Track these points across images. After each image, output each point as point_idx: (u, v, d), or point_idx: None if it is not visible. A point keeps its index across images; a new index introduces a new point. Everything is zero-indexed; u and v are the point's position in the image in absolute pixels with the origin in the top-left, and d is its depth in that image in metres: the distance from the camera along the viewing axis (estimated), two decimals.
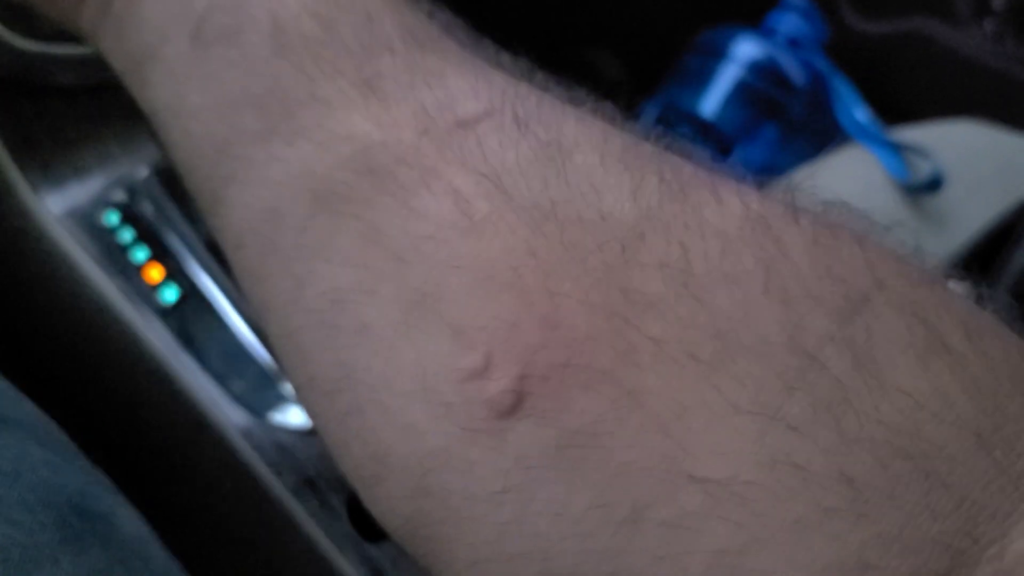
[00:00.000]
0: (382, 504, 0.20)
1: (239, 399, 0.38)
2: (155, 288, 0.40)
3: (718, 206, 0.18)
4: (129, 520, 0.30)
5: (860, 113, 0.59)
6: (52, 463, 0.29)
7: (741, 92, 0.61)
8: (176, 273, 0.41)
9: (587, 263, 0.18)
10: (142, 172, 0.43)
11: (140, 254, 0.41)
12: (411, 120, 0.20)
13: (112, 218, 0.41)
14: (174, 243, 0.41)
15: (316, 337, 0.20)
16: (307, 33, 0.22)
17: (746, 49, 0.61)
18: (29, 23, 0.39)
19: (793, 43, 0.62)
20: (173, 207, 0.42)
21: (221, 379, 0.39)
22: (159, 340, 0.39)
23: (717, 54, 0.62)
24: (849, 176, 0.57)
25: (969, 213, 0.55)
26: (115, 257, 0.40)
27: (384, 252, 0.19)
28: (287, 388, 0.39)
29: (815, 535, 0.15)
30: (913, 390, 0.16)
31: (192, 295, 0.40)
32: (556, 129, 0.20)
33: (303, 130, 0.21)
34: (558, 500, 0.17)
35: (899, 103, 0.64)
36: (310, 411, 0.22)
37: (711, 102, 0.61)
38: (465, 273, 0.18)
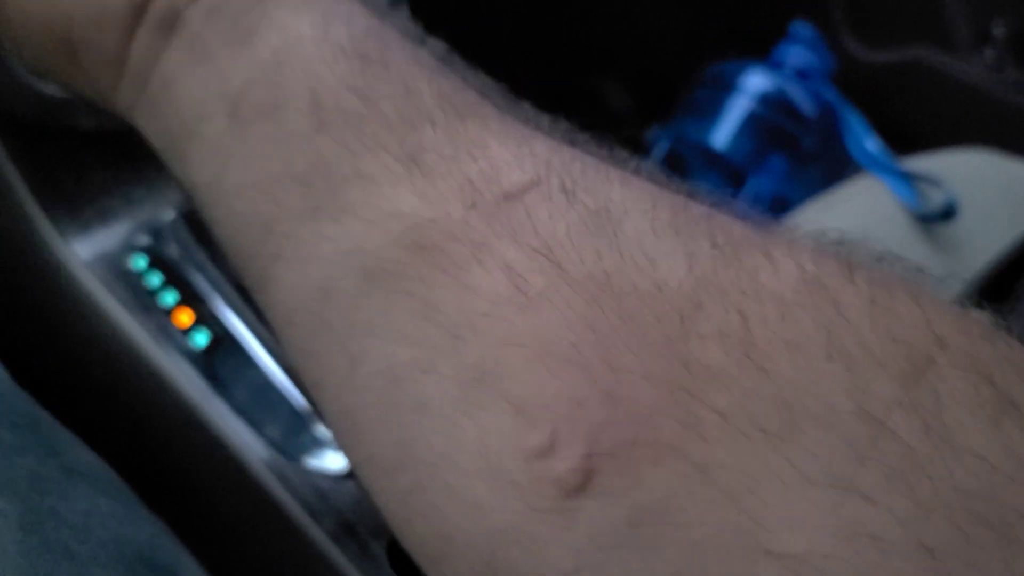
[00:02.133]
0: None
1: (273, 443, 0.38)
2: (185, 332, 0.40)
3: (772, 268, 0.18)
4: (191, 569, 0.30)
5: (871, 143, 0.60)
6: (119, 515, 0.28)
7: (751, 123, 0.62)
8: (206, 317, 0.40)
9: (647, 336, 0.18)
10: (168, 215, 0.43)
11: (169, 298, 0.40)
12: (458, 194, 0.20)
13: (139, 262, 0.41)
14: (203, 286, 0.41)
15: (373, 415, 0.20)
16: (347, 108, 0.22)
17: (756, 81, 0.62)
18: None
19: (801, 74, 0.63)
20: (200, 250, 0.42)
21: (255, 423, 0.38)
22: (190, 385, 0.38)
23: (727, 87, 0.63)
24: (862, 206, 0.57)
25: (981, 242, 0.55)
26: (144, 302, 0.40)
27: (440, 329, 0.19)
28: (322, 431, 0.39)
29: None
30: (986, 452, 0.16)
31: (223, 339, 0.40)
32: (604, 196, 0.20)
33: (350, 207, 0.21)
34: None
35: (901, 131, 0.65)
36: (370, 488, 0.21)
37: (722, 134, 0.62)
38: (524, 350, 0.18)
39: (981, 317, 0.18)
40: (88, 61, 0.26)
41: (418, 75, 0.23)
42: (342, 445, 0.22)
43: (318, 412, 0.38)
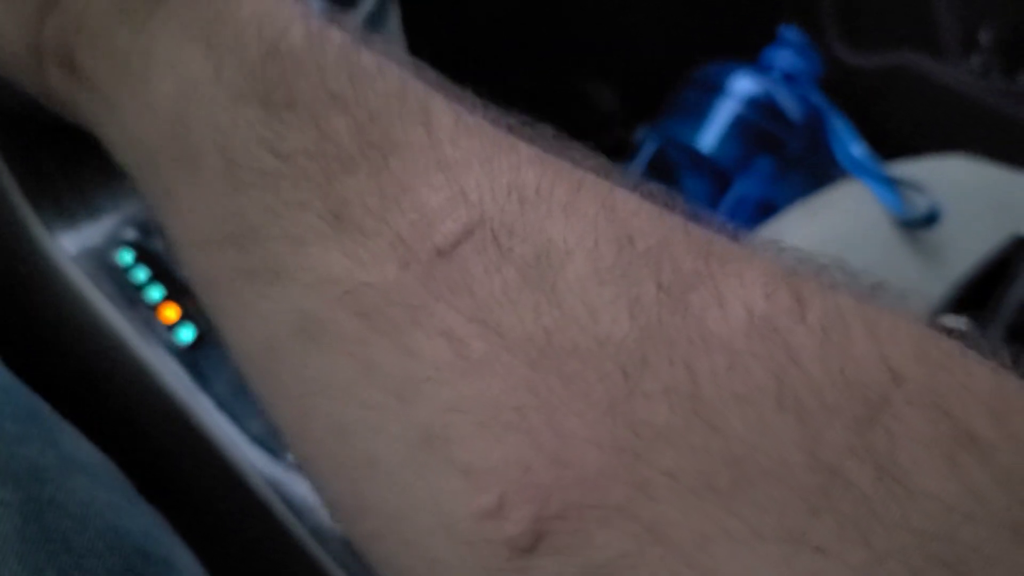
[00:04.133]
0: None
1: (258, 439, 0.38)
2: (171, 328, 0.40)
3: (721, 312, 0.18)
4: (187, 562, 0.30)
5: (856, 148, 0.60)
6: (117, 506, 0.28)
7: (738, 126, 0.62)
8: (192, 312, 0.41)
9: (590, 397, 0.17)
10: None
11: (155, 293, 0.41)
12: (390, 252, 0.20)
13: (126, 257, 0.41)
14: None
15: (328, 467, 0.20)
16: (261, 167, 0.21)
17: (743, 84, 0.63)
18: None
19: (789, 78, 0.63)
20: None
21: (239, 420, 0.38)
22: (176, 380, 0.39)
23: (715, 89, 0.63)
24: (846, 211, 0.58)
25: (963, 248, 0.56)
26: (130, 296, 0.40)
27: (384, 392, 0.19)
28: None
29: None
30: (943, 492, 0.15)
31: (208, 334, 0.40)
32: (544, 237, 0.19)
33: (284, 270, 0.20)
34: None
35: (887, 136, 0.66)
36: (339, 525, 0.22)
37: (709, 136, 0.62)
38: (469, 415, 0.18)
39: (941, 340, 0.18)
40: (29, 87, 0.25)
41: (330, 105, 0.21)
42: (311, 485, 0.22)
43: None
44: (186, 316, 0.40)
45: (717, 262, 0.19)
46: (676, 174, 0.64)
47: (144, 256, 0.41)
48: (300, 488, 0.38)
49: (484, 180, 0.20)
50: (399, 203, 0.20)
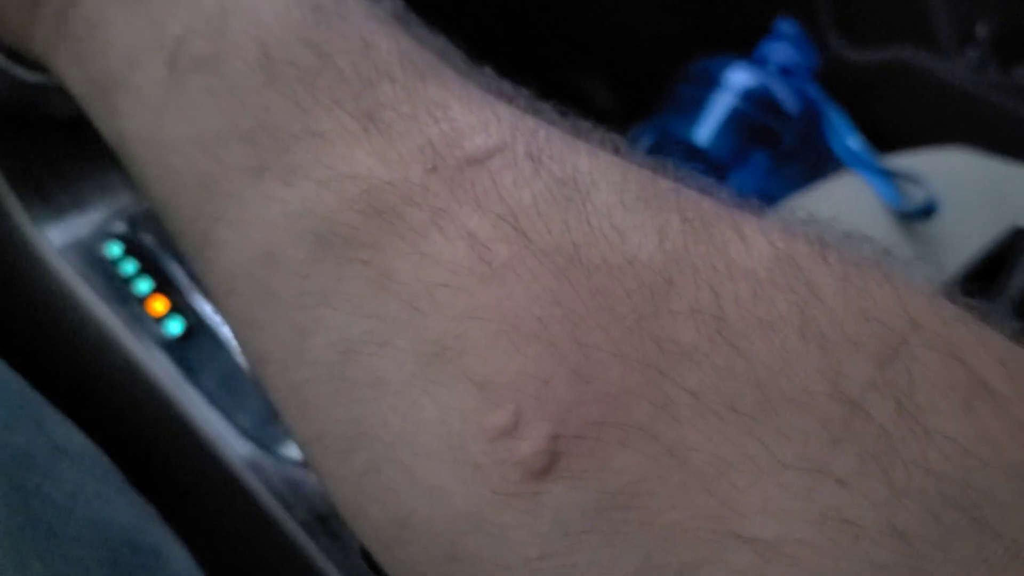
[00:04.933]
0: (405, 569, 0.19)
1: (247, 433, 0.38)
2: (159, 320, 0.39)
3: (744, 245, 0.18)
4: (177, 553, 0.29)
5: (853, 141, 0.60)
6: (104, 496, 0.28)
7: (734, 120, 0.62)
8: (180, 305, 0.40)
9: (616, 312, 0.17)
10: (144, 203, 0.43)
11: (143, 286, 0.40)
12: (418, 156, 0.19)
13: (114, 250, 0.41)
14: (178, 275, 0.41)
15: (324, 391, 0.19)
16: (299, 61, 0.21)
17: (739, 77, 0.62)
18: None
19: (785, 71, 0.63)
20: None
21: (228, 413, 0.38)
22: (164, 373, 0.38)
23: (710, 83, 0.62)
24: (843, 204, 0.57)
25: (961, 240, 0.55)
26: (118, 289, 0.40)
27: (397, 300, 0.18)
28: None
29: None
30: (959, 436, 0.15)
31: (197, 327, 0.40)
32: (571, 165, 0.19)
33: (300, 167, 0.20)
34: (600, 565, 0.16)
35: (884, 129, 0.65)
36: (318, 469, 0.20)
37: (705, 130, 0.62)
38: (487, 324, 0.17)
39: (954, 299, 0.18)
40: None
41: (376, 29, 0.21)
42: (289, 423, 0.21)
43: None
44: (175, 309, 0.40)
45: (735, 208, 0.19)
46: None
47: (132, 249, 0.41)
48: (290, 481, 0.37)
49: (515, 112, 0.20)
50: (432, 114, 0.20)
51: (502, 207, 0.18)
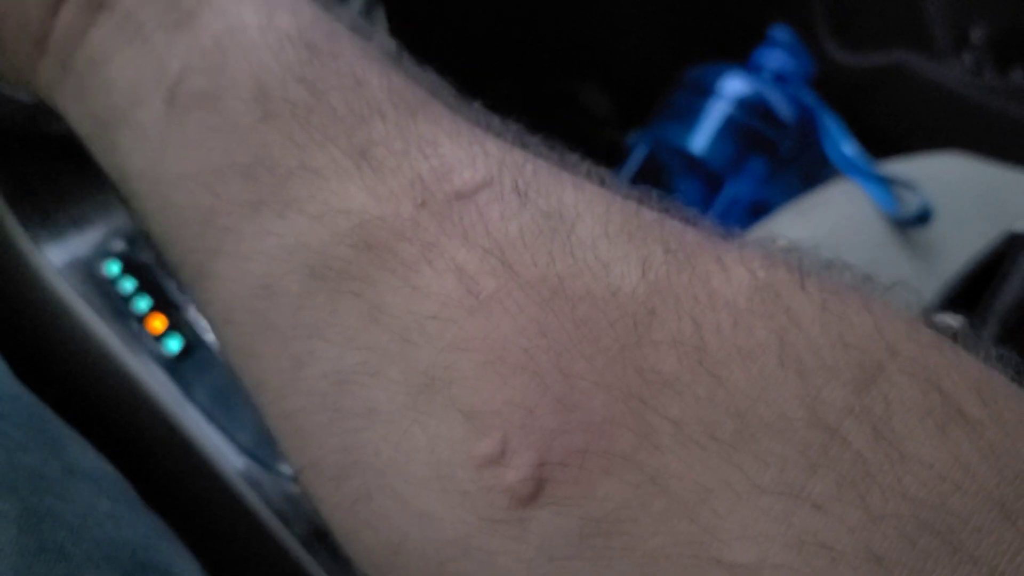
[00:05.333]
0: None
1: (246, 449, 0.38)
2: (158, 338, 0.40)
3: (725, 275, 0.18)
4: (188, 571, 0.29)
5: (848, 147, 0.60)
6: (116, 515, 0.28)
7: (730, 128, 0.62)
8: (179, 323, 0.40)
9: (600, 342, 0.17)
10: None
11: (142, 304, 0.40)
12: (408, 191, 0.20)
13: (113, 268, 0.41)
14: (176, 292, 0.41)
15: (318, 420, 0.20)
16: (294, 98, 0.21)
17: (734, 85, 0.62)
18: None
19: (780, 79, 0.63)
20: None
21: (226, 429, 0.38)
22: (163, 391, 0.38)
23: (706, 91, 0.63)
24: (838, 210, 0.58)
25: (956, 245, 0.56)
26: (117, 308, 0.40)
27: (388, 333, 0.19)
28: None
29: None
30: (934, 461, 0.16)
31: (196, 345, 0.40)
32: (556, 198, 0.20)
33: (295, 202, 0.20)
34: None
35: (880, 135, 0.65)
36: (313, 495, 0.21)
37: (700, 138, 0.62)
38: (475, 355, 0.18)
39: (931, 324, 0.18)
40: (8, 33, 0.24)
41: (368, 67, 0.22)
42: (285, 450, 0.21)
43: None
44: (173, 327, 0.40)
45: (717, 238, 0.19)
46: (668, 177, 0.64)
47: (131, 267, 0.41)
48: (288, 496, 0.37)
49: (504, 147, 0.21)
50: (423, 150, 0.20)
51: (489, 241, 0.19)
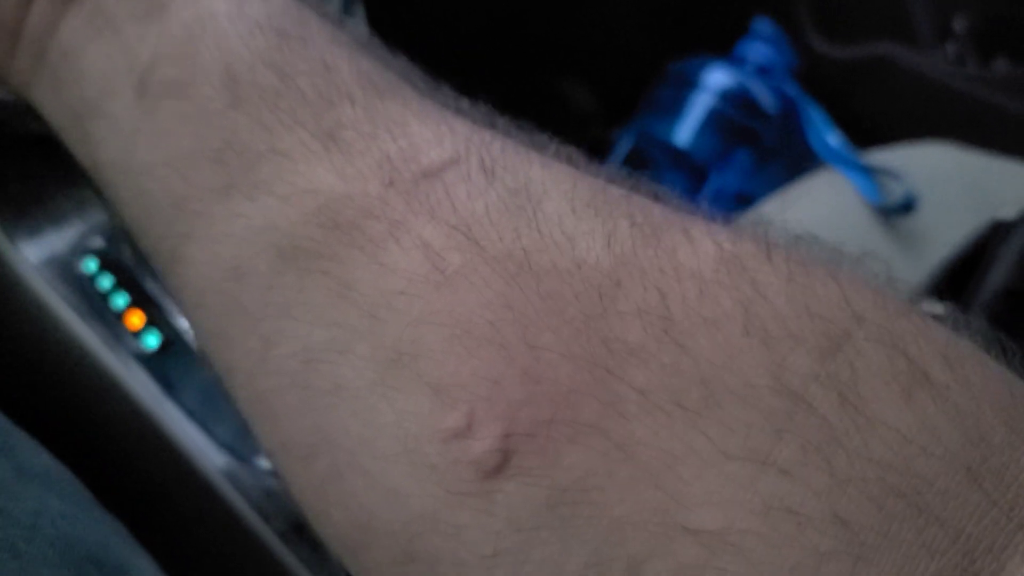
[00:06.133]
0: (368, 571, 0.19)
1: (225, 445, 0.38)
2: (136, 335, 0.40)
3: (691, 247, 0.18)
4: (144, 569, 0.29)
5: (832, 138, 0.60)
6: (69, 515, 0.28)
7: (714, 120, 0.62)
8: (157, 319, 0.40)
9: (565, 314, 0.18)
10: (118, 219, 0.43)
11: (120, 301, 0.40)
12: (376, 171, 0.20)
13: (90, 265, 0.41)
14: (154, 288, 0.41)
15: (288, 400, 0.20)
16: (263, 83, 0.21)
17: (717, 78, 0.62)
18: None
19: (763, 71, 0.63)
20: None
21: (206, 425, 0.38)
22: (141, 387, 0.38)
23: (689, 84, 0.63)
24: (823, 200, 0.58)
25: (941, 234, 0.56)
26: (95, 304, 0.40)
27: (356, 309, 0.19)
28: None
29: None
30: (900, 425, 0.16)
31: (174, 341, 0.40)
32: (523, 175, 0.20)
33: (264, 184, 0.21)
34: (552, 560, 0.17)
35: (865, 126, 0.65)
36: (285, 476, 0.21)
37: (685, 131, 0.62)
38: (441, 329, 0.18)
39: (899, 294, 0.18)
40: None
41: (337, 53, 0.22)
42: (256, 432, 0.22)
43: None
44: (151, 323, 0.40)
45: (685, 213, 0.20)
46: (653, 170, 0.63)
47: (109, 264, 0.41)
48: (267, 491, 0.37)
49: (471, 126, 0.21)
50: (390, 131, 0.21)
51: (455, 218, 0.19)
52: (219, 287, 0.21)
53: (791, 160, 0.62)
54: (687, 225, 0.19)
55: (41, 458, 0.30)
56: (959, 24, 0.70)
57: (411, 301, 0.18)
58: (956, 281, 0.54)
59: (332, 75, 0.22)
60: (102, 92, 0.23)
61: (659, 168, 0.63)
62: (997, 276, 0.52)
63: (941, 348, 0.17)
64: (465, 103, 0.23)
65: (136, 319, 0.40)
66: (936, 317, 0.18)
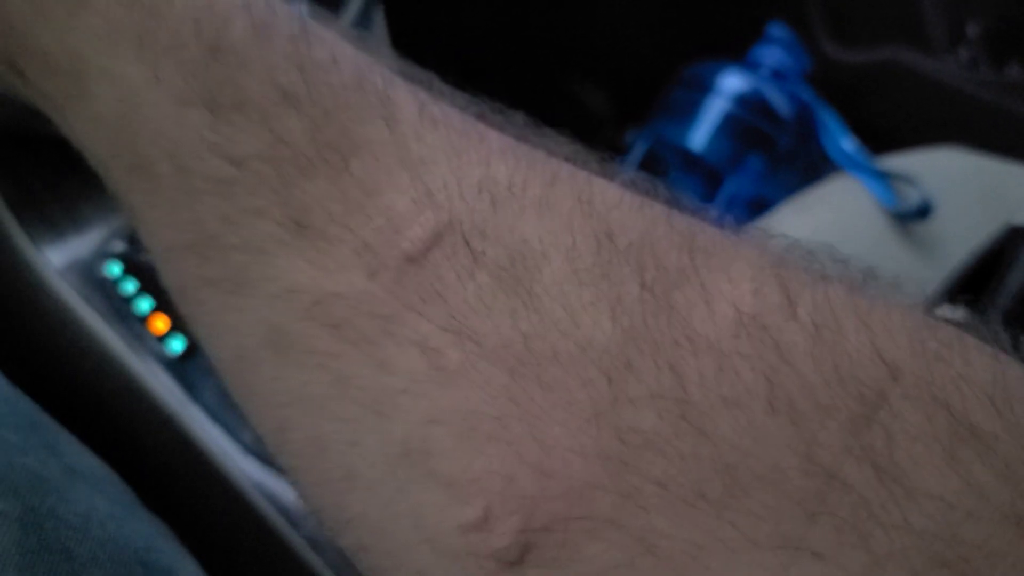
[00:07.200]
0: None
1: (250, 449, 0.38)
2: (161, 339, 0.40)
3: (707, 310, 0.17)
4: (190, 571, 0.29)
5: (847, 143, 0.60)
6: (118, 516, 0.28)
7: (728, 125, 0.62)
8: (182, 323, 0.40)
9: (573, 405, 0.17)
10: None
11: (144, 305, 0.40)
12: (356, 261, 0.19)
13: (114, 269, 0.41)
14: None
15: (308, 480, 0.20)
16: (213, 173, 0.19)
17: (732, 82, 0.62)
18: None
19: (777, 75, 0.63)
20: None
21: (230, 429, 0.38)
22: (166, 392, 0.38)
23: (704, 88, 0.63)
24: (839, 206, 0.58)
25: (957, 239, 0.56)
26: (119, 309, 0.40)
27: (359, 405, 0.18)
28: None
29: None
30: (943, 491, 0.15)
31: (199, 344, 0.40)
32: (518, 237, 0.18)
33: (247, 281, 0.19)
34: None
35: (877, 130, 0.65)
36: (328, 533, 0.21)
37: (699, 135, 0.62)
38: (449, 427, 0.17)
39: (937, 329, 0.17)
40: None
41: (282, 108, 0.19)
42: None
43: None
44: (176, 327, 0.40)
45: (702, 255, 0.18)
46: (667, 174, 0.64)
47: (132, 267, 0.41)
48: (294, 497, 0.37)
49: (452, 178, 0.19)
50: (363, 208, 0.19)
51: (447, 308, 0.18)
52: (231, 371, 0.21)
53: (806, 165, 0.62)
54: (704, 277, 0.18)
55: (87, 458, 0.30)
56: (972, 29, 0.70)
57: (415, 400, 0.18)
58: (972, 287, 0.54)
59: (285, 145, 0.19)
60: (98, 165, 0.21)
61: (673, 172, 0.63)
62: (1014, 281, 0.52)
63: (986, 391, 0.16)
64: (461, 97, 0.21)
65: (160, 323, 0.40)
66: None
